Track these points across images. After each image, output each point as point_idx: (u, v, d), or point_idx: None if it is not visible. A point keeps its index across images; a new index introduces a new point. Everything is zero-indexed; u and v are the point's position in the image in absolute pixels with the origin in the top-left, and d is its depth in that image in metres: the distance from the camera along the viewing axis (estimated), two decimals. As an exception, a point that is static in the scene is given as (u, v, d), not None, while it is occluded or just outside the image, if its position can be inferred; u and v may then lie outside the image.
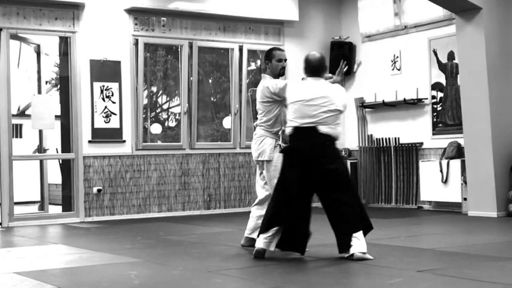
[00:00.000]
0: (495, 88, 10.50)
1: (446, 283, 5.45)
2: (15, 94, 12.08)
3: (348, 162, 13.18)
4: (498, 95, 10.54)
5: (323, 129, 6.70)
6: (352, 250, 6.58)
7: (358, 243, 6.59)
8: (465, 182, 10.93)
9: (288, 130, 6.89)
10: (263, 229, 6.82)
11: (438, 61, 11.89)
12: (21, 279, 5.97)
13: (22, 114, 17.94)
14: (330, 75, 7.27)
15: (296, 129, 6.79)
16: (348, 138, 13.57)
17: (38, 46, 12.39)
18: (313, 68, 6.96)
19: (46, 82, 13.97)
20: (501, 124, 10.54)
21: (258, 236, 6.88)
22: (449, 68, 11.73)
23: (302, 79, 7.17)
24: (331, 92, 6.81)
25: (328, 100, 6.73)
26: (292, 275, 6.04)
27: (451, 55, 11.68)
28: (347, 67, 7.39)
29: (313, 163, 6.69)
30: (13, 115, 11.56)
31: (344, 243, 6.63)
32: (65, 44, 11.58)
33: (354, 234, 6.61)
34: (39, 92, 12.50)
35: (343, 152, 13.34)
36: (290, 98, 6.92)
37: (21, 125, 18.58)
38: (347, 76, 13.51)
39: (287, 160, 6.86)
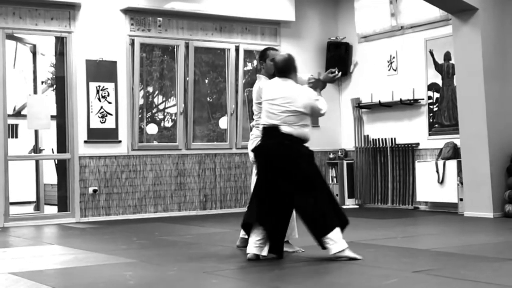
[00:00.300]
0: (491, 89, 10.49)
1: (442, 284, 5.44)
2: (11, 94, 12.07)
3: (345, 162, 13.18)
4: (495, 95, 10.54)
5: (284, 128, 6.74)
6: (330, 252, 6.58)
7: (334, 245, 6.57)
8: (461, 183, 10.93)
9: (260, 130, 7.04)
10: (245, 231, 6.93)
11: (435, 62, 11.89)
12: (17, 279, 5.94)
13: (18, 114, 17.90)
14: (312, 75, 7.24)
15: (263, 128, 6.91)
16: (345, 139, 13.58)
17: (34, 46, 12.39)
18: (280, 69, 6.98)
19: (42, 82, 13.97)
20: (497, 124, 10.53)
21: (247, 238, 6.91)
22: (446, 69, 11.73)
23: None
24: (293, 93, 6.82)
25: (288, 101, 6.75)
26: (288, 276, 6.04)
27: (447, 56, 11.67)
28: (340, 74, 7.31)
29: (273, 163, 6.75)
30: (9, 115, 11.62)
31: (320, 244, 6.65)
32: (61, 44, 11.57)
33: (327, 235, 6.58)
34: (35, 92, 12.53)
35: (339, 153, 13.34)
36: (262, 98, 7.05)
37: (17, 125, 18.54)
38: (344, 76, 13.49)
39: (257, 160, 6.96)
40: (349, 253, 6.58)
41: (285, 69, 6.98)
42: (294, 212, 7.00)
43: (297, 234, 7.30)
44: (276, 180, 6.73)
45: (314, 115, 6.95)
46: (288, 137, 6.75)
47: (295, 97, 6.80)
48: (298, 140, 6.80)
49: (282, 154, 6.75)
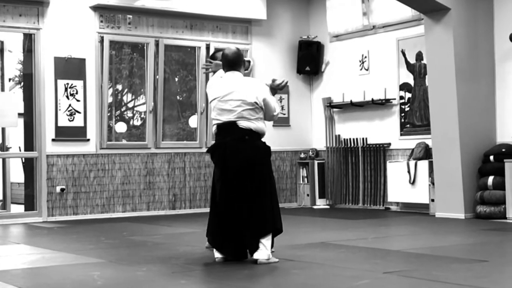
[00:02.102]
0: (463, 89, 10.49)
1: (414, 285, 5.41)
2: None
3: (316, 162, 13.13)
4: (466, 96, 10.53)
5: (242, 123, 6.61)
6: (256, 256, 6.51)
7: (263, 250, 6.51)
8: (433, 183, 10.92)
9: (213, 129, 6.82)
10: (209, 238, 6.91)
11: (407, 62, 11.88)
12: None
13: (-16, 112, 17.71)
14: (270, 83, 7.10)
15: (218, 126, 6.71)
16: (316, 138, 13.54)
17: (2, 42, 12.37)
18: (230, 62, 6.82)
19: (10, 79, 13.85)
20: (469, 125, 10.52)
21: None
22: (417, 69, 11.72)
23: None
24: (248, 85, 6.72)
25: (244, 93, 6.63)
26: (258, 277, 5.99)
27: (419, 56, 11.67)
28: (286, 82, 7.17)
29: (230, 160, 6.60)
30: None
31: (251, 246, 6.57)
32: (29, 41, 11.49)
33: (261, 240, 6.53)
34: (2, 89, 12.54)
35: (310, 153, 13.29)
36: (210, 97, 6.83)
37: (-17, 123, 18.33)
38: (315, 75, 13.47)
39: (214, 160, 6.79)
40: (272, 260, 6.53)
41: (236, 61, 6.83)
42: None
43: None
44: (234, 180, 6.61)
45: (267, 111, 6.75)
46: (247, 132, 6.63)
47: (250, 89, 6.68)
48: (257, 135, 6.70)
49: (243, 150, 6.61)
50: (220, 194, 6.67)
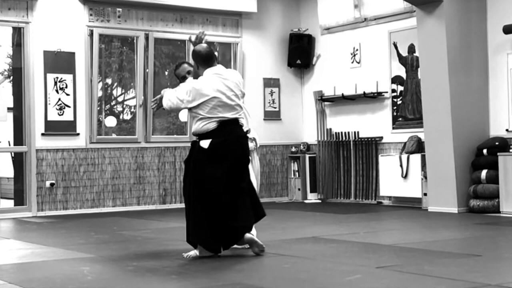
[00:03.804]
0: (456, 82, 10.44)
1: (406, 279, 5.37)
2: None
3: (307, 156, 13.09)
4: (459, 89, 10.48)
5: (241, 120, 6.72)
6: (253, 233, 6.73)
7: (254, 233, 6.76)
8: (425, 177, 10.88)
9: (209, 126, 6.59)
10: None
11: (399, 54, 11.83)
12: None
13: (-26, 106, 17.67)
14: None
15: (221, 122, 6.58)
16: (307, 132, 13.49)
17: None
18: (208, 56, 6.79)
19: (-1, 73, 13.80)
20: (462, 118, 10.48)
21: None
22: (410, 61, 11.67)
23: (184, 77, 7.16)
24: (238, 81, 6.81)
25: (237, 90, 6.71)
26: (249, 272, 5.96)
27: (411, 48, 11.62)
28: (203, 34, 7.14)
29: (233, 156, 6.60)
30: None
31: (241, 234, 6.60)
32: (18, 35, 11.47)
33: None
34: None
35: (301, 147, 13.27)
36: (210, 93, 6.56)
37: (-27, 118, 18.31)
38: (306, 69, 13.42)
39: (210, 156, 6.59)
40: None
41: (212, 54, 6.82)
42: None
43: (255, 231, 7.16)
44: (231, 175, 6.58)
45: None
46: (242, 129, 6.72)
47: (240, 85, 6.79)
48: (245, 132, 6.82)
49: (245, 146, 6.69)
50: (208, 189, 6.55)
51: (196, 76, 6.80)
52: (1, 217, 10.86)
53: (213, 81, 6.62)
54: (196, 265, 6.22)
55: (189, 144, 6.97)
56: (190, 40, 7.26)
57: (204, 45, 6.89)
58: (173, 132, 12.95)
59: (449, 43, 10.41)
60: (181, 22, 12.41)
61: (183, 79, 7.27)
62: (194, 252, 6.57)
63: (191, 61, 7.03)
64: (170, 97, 6.69)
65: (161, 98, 6.88)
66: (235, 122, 6.64)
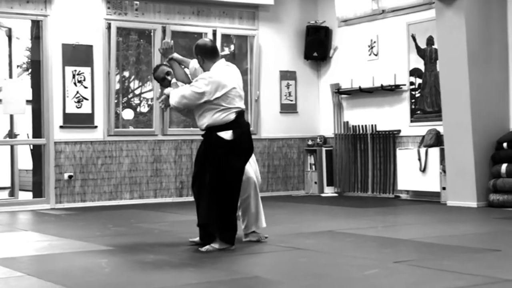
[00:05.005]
0: (475, 74, 10.36)
1: (424, 274, 5.33)
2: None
3: (323, 149, 13.06)
4: (479, 81, 10.40)
5: None
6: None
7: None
8: (444, 171, 10.81)
9: (230, 116, 6.64)
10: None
11: (417, 47, 11.76)
12: None
13: (-8, 98, 17.76)
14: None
15: (239, 113, 6.69)
16: (323, 125, 13.46)
17: (10, 29, 12.41)
18: (214, 48, 6.91)
19: (17, 66, 13.88)
20: (481, 111, 10.40)
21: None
22: (428, 54, 11.60)
23: (164, 79, 7.27)
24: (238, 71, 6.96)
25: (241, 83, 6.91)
26: (266, 266, 5.97)
27: (430, 40, 11.54)
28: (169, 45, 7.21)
29: (249, 147, 6.81)
30: None
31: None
32: (36, 28, 11.52)
33: None
34: (10, 76, 12.57)
35: (318, 140, 13.23)
36: (230, 84, 6.65)
37: (-9, 110, 18.40)
38: (323, 61, 13.37)
39: (233, 147, 6.64)
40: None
41: (217, 48, 6.97)
42: (259, 201, 7.05)
43: (264, 223, 7.17)
44: (244, 165, 6.76)
45: None
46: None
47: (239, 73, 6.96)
48: None
49: (252, 141, 6.91)
50: (229, 182, 6.62)
51: (203, 69, 6.88)
52: (19, 209, 10.92)
53: (228, 72, 6.74)
54: (213, 258, 6.21)
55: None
56: (159, 50, 7.38)
57: (206, 39, 7.14)
58: (190, 125, 12.90)
59: (469, 35, 10.33)
60: (198, 15, 12.38)
61: (162, 80, 7.40)
62: (212, 246, 6.57)
63: (197, 57, 6.97)
64: (182, 93, 6.68)
65: (167, 98, 6.93)
66: (243, 113, 6.78)
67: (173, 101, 6.74)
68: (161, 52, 7.26)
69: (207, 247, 6.57)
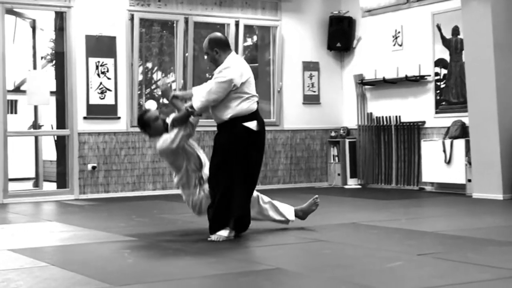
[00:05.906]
0: (501, 65, 10.25)
1: (448, 267, 5.28)
2: (11, 69, 12.05)
3: (347, 141, 13.00)
4: (505, 72, 10.29)
5: None
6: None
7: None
8: (470, 163, 10.72)
9: (254, 106, 6.72)
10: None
11: (442, 37, 11.66)
12: (15, 256, 5.99)
13: (17, 89, 17.87)
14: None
15: (258, 103, 6.83)
16: (347, 116, 13.39)
17: (34, 21, 12.49)
18: (226, 41, 6.93)
19: (42, 58, 13.97)
20: (507, 102, 10.29)
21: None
22: (454, 44, 11.50)
23: (156, 118, 7.25)
24: None
25: None
26: (289, 257, 5.95)
27: (455, 30, 11.44)
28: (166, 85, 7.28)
29: (265, 139, 6.91)
30: (8, 91, 11.67)
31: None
32: (60, 19, 11.61)
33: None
34: (34, 67, 12.70)
35: (341, 131, 13.17)
36: (246, 75, 6.72)
37: (16, 101, 18.53)
38: (347, 52, 13.31)
39: (257, 138, 6.72)
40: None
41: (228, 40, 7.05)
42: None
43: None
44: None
45: None
46: None
47: None
48: None
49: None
50: (251, 174, 6.70)
51: (216, 63, 6.84)
52: (44, 199, 10.98)
53: (243, 62, 6.88)
54: (235, 249, 6.22)
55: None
56: (158, 86, 7.45)
57: (216, 33, 7.01)
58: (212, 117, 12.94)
59: (495, 25, 10.22)
60: (221, 6, 12.34)
61: (155, 120, 7.19)
62: (223, 235, 6.57)
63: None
64: (208, 90, 6.70)
65: (185, 116, 6.99)
66: None
67: (199, 103, 6.70)
68: (161, 94, 7.26)
69: (216, 235, 6.59)
